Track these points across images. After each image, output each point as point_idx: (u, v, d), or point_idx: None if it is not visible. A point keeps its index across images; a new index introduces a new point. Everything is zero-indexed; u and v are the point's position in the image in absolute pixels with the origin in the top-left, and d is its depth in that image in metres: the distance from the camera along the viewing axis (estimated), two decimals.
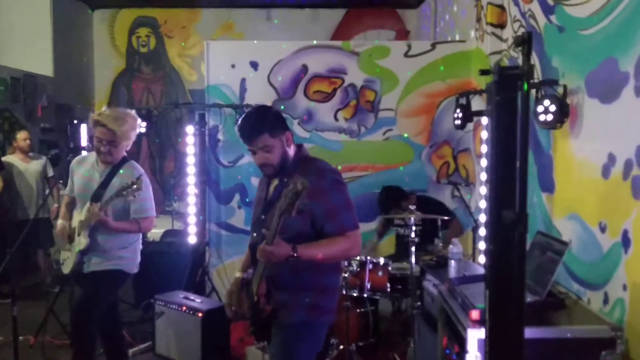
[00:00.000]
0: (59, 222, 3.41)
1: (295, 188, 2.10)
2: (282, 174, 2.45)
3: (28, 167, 5.96)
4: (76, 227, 3.27)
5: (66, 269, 3.35)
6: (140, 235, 3.47)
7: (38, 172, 6.00)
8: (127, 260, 3.36)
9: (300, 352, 2.44)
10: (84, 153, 4.77)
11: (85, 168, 3.35)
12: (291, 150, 2.47)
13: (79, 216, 3.28)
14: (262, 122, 2.39)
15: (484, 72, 1.65)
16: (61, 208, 3.50)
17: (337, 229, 2.36)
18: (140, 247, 3.48)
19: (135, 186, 3.08)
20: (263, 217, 2.47)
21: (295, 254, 2.26)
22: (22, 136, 5.97)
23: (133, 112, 3.33)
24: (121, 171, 3.27)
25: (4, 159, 5.92)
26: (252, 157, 2.48)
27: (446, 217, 4.26)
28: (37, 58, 7.75)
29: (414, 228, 3.75)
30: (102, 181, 3.24)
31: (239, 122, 2.41)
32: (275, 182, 2.50)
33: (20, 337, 3.88)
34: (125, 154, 3.35)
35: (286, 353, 2.44)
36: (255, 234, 2.53)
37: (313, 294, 2.44)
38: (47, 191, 5.95)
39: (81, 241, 3.20)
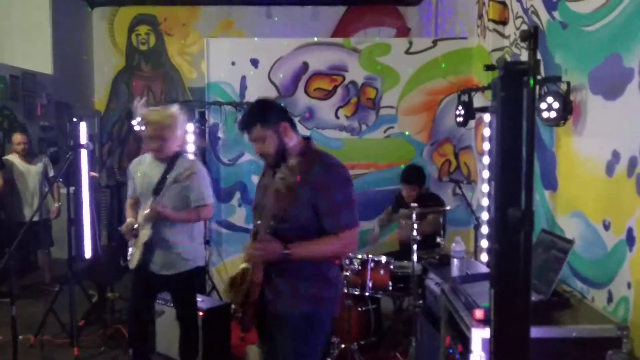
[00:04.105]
0: (128, 220, 3.48)
1: (286, 173, 2.16)
2: (284, 163, 2.46)
3: (29, 168, 5.92)
4: (140, 222, 3.38)
5: (132, 264, 3.42)
6: (203, 227, 3.57)
7: (39, 173, 5.95)
8: (197, 254, 3.51)
9: (309, 343, 2.46)
10: (83, 149, 4.73)
11: (143, 167, 3.48)
12: (291, 140, 2.46)
13: (143, 212, 3.40)
14: (254, 114, 2.46)
15: (489, 68, 1.63)
16: (127, 210, 3.59)
17: (335, 226, 2.37)
18: (202, 239, 3.60)
19: (188, 171, 3.22)
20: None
21: (287, 252, 2.31)
22: (16, 140, 5.88)
23: (176, 107, 3.43)
24: (176, 164, 3.39)
25: (6, 157, 5.89)
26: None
27: (447, 208, 4.23)
28: (36, 56, 7.72)
29: (415, 226, 3.72)
30: (160, 176, 3.36)
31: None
32: None
33: (20, 337, 3.86)
34: (179, 148, 3.46)
35: (294, 344, 2.43)
36: (259, 222, 2.52)
37: (317, 284, 2.44)
38: (46, 189, 5.91)
39: (144, 234, 3.31)
